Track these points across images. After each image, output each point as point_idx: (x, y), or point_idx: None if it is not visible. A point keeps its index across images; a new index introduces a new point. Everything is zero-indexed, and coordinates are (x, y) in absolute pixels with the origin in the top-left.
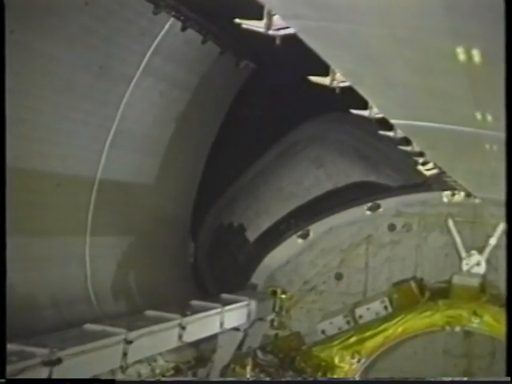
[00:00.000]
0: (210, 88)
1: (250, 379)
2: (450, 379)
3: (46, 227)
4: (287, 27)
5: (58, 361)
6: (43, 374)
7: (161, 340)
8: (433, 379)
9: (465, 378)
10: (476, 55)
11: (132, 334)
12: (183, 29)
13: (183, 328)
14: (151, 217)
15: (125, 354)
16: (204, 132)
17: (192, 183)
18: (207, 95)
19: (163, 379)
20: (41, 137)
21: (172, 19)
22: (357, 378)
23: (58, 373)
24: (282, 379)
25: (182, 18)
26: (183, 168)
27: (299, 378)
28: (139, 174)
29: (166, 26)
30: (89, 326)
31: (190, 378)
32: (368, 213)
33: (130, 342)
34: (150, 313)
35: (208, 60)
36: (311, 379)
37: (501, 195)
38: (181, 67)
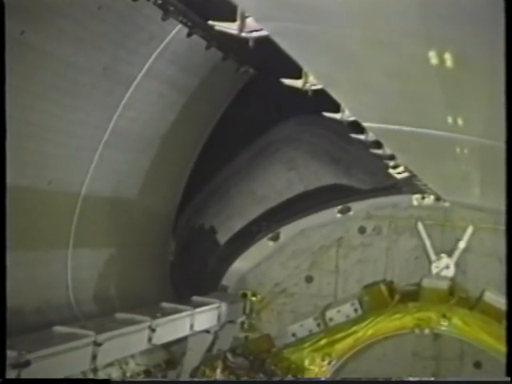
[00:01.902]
0: (208, 91)
1: (249, 379)
2: (449, 379)
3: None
4: (261, 29)
5: (27, 363)
6: (11, 376)
7: (130, 342)
8: (432, 379)
9: (465, 379)
10: (448, 59)
11: (101, 337)
12: (189, 35)
13: (153, 330)
14: (140, 216)
15: (94, 357)
16: (196, 133)
17: (180, 182)
18: (204, 98)
19: (161, 379)
20: (39, 135)
21: (179, 25)
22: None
23: (26, 375)
24: (281, 379)
25: (189, 24)
26: (173, 167)
27: (294, 378)
28: (129, 173)
29: (173, 32)
30: (58, 329)
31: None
32: (339, 215)
33: (99, 345)
34: (120, 315)
35: (210, 65)
36: (308, 379)
37: (470, 199)
38: (182, 71)
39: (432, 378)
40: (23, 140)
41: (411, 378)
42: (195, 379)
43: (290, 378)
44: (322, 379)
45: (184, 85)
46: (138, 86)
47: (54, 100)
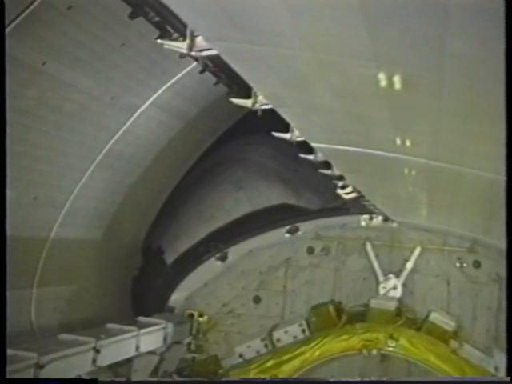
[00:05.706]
0: (205, 120)
1: (248, 379)
2: (450, 379)
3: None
4: (210, 49)
5: None
6: None
7: (74, 364)
8: (433, 379)
9: (465, 378)
10: (397, 82)
11: (44, 358)
12: (201, 71)
13: (98, 351)
14: (114, 236)
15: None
16: (185, 156)
17: (158, 200)
18: (199, 127)
19: (152, 379)
20: (33, 153)
21: (195, 63)
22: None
23: None
24: (280, 379)
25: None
26: (155, 186)
27: (293, 378)
28: (113, 191)
29: (187, 69)
30: None
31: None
32: (287, 235)
33: (41, 367)
34: (64, 336)
35: (213, 97)
36: (308, 379)
37: (418, 219)
38: (186, 101)
39: (431, 378)
40: (18, 158)
41: (408, 378)
42: (190, 379)
43: (289, 377)
44: (322, 379)
45: (184, 114)
46: (141, 113)
47: (55, 122)
